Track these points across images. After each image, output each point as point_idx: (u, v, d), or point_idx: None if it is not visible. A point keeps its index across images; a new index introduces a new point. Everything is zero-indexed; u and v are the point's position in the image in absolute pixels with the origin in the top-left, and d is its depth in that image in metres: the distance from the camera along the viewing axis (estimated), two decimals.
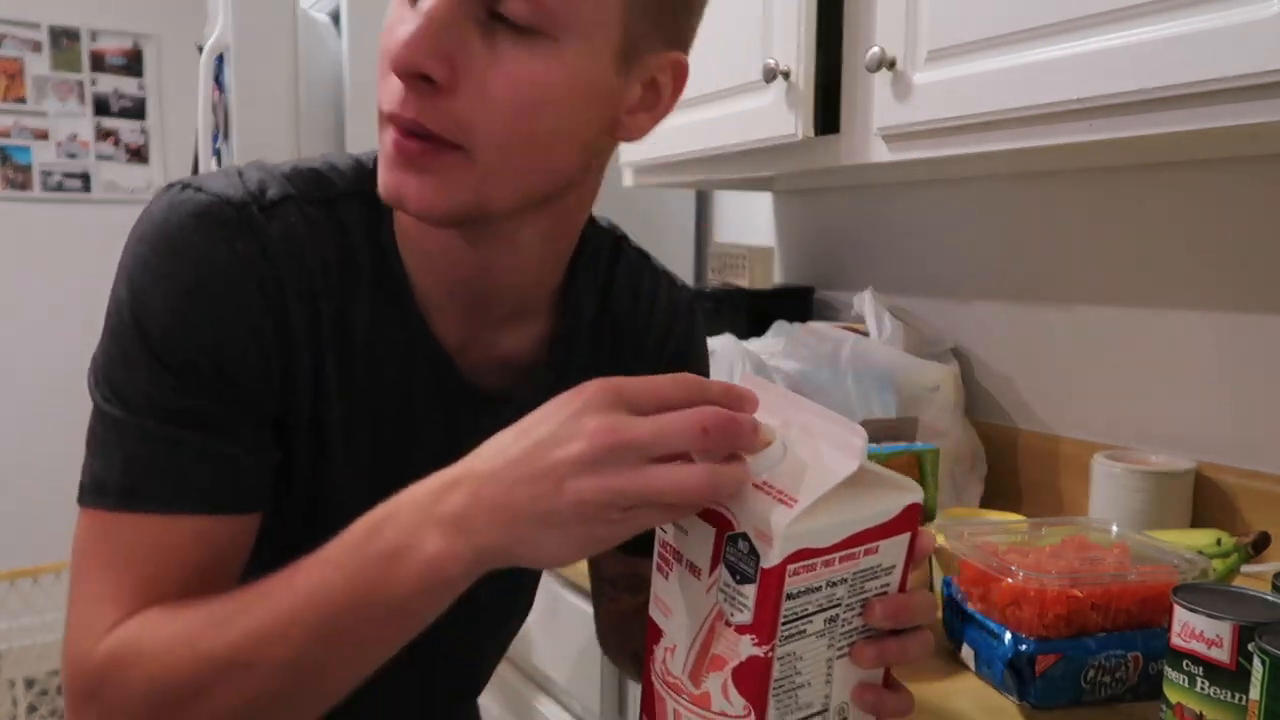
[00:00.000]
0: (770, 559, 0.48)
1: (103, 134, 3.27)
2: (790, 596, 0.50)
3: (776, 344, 1.39)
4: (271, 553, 0.57)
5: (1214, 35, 0.81)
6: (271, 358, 0.61)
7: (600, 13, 0.58)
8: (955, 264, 1.48)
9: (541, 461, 0.48)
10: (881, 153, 1.15)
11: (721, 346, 1.31)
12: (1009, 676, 0.78)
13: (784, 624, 0.50)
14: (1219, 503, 1.14)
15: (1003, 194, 1.41)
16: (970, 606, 0.83)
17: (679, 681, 0.54)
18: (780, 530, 0.48)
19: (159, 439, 0.58)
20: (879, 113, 1.13)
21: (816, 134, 1.22)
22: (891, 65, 1.10)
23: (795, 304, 1.66)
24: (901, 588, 0.55)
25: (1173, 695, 0.68)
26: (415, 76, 0.55)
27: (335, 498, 0.66)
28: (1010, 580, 0.78)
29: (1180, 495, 1.13)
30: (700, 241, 2.06)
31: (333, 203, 0.65)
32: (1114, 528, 0.90)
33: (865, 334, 1.38)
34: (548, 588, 1.25)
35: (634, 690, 1.14)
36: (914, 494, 0.53)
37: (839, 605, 0.52)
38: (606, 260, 0.78)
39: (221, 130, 1.77)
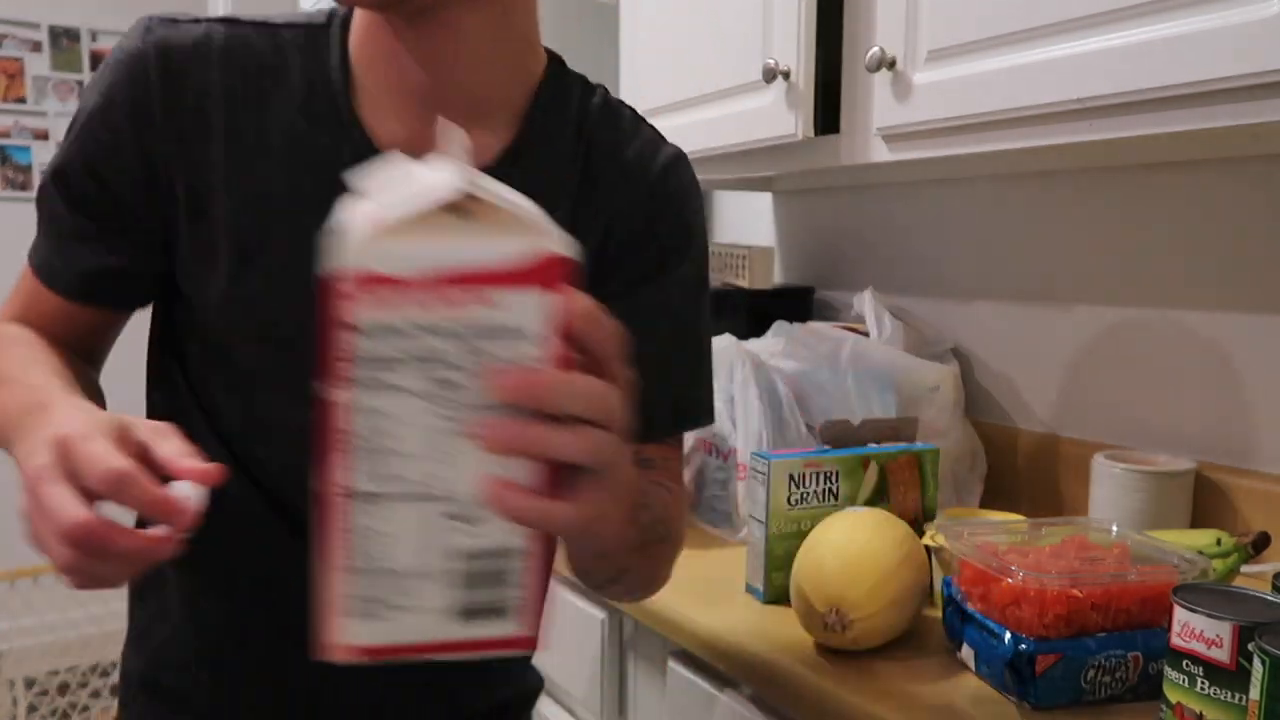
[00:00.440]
0: (329, 268, 0.43)
1: None
2: (361, 331, 0.43)
3: (776, 344, 1.39)
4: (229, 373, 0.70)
5: (1214, 35, 0.81)
6: (147, 163, 0.68)
7: None
8: (955, 264, 1.48)
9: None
10: (881, 153, 1.15)
11: (721, 346, 1.31)
12: (1009, 676, 0.78)
13: (358, 365, 0.44)
14: (1219, 503, 1.15)
15: (1003, 194, 1.41)
16: (970, 606, 0.83)
17: None
18: (349, 240, 0.42)
19: (50, 219, 0.71)
20: (879, 113, 1.13)
21: (816, 134, 1.22)
22: (891, 65, 1.10)
23: (795, 304, 1.66)
24: (562, 366, 0.46)
25: (1173, 695, 0.68)
26: None
27: (262, 312, 0.69)
28: (1010, 580, 0.78)
29: (1180, 495, 1.13)
30: None
31: (276, 28, 0.70)
32: (1114, 528, 0.90)
33: (865, 334, 1.38)
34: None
35: (634, 690, 1.14)
36: (549, 240, 0.44)
37: (449, 365, 0.45)
38: (580, 93, 0.77)
39: None
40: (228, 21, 0.69)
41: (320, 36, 0.70)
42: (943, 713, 0.77)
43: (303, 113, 0.69)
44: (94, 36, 3.23)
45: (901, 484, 1.06)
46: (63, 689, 2.73)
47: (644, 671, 1.12)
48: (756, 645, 0.90)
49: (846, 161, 1.20)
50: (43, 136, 3.16)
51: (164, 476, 0.50)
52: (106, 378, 0.78)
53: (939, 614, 0.92)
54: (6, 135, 3.10)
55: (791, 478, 1.00)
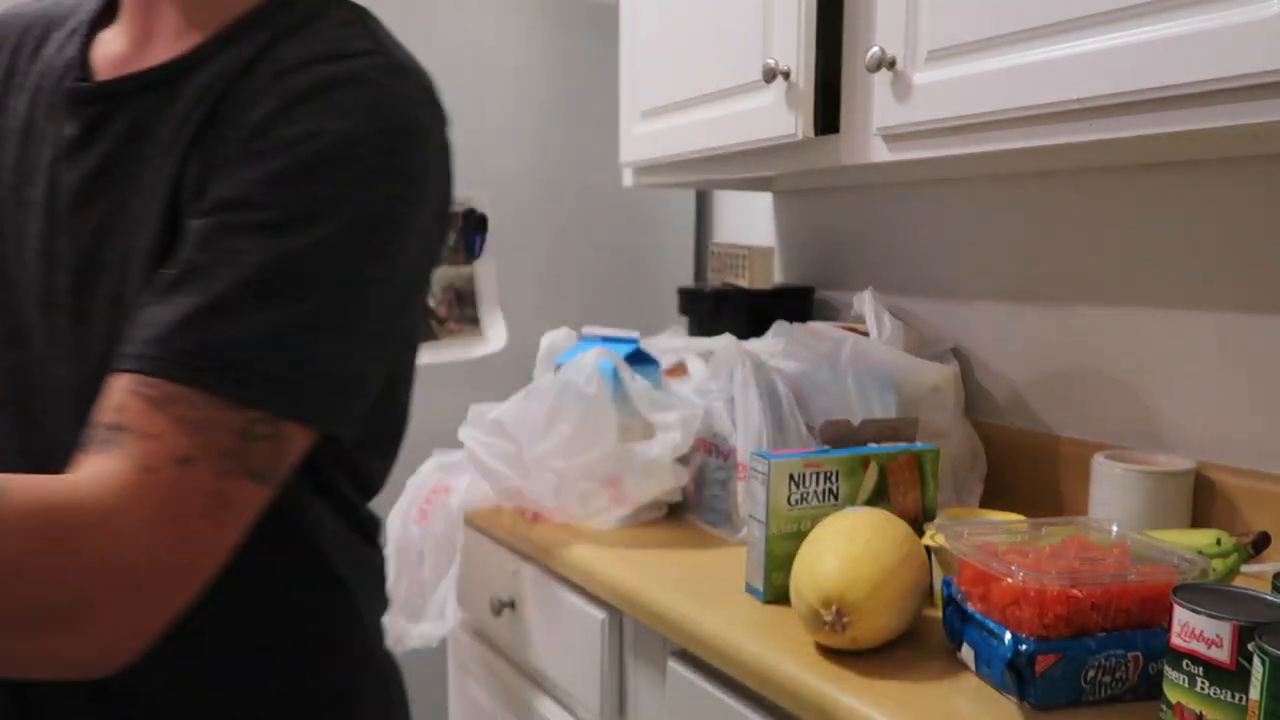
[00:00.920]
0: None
1: None
2: None
3: (776, 344, 1.39)
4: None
5: (1214, 35, 0.81)
6: None
7: None
8: (955, 264, 1.48)
9: None
10: (881, 153, 1.15)
11: (721, 347, 1.31)
12: (1009, 676, 0.78)
13: None
14: (1219, 503, 1.15)
15: (1003, 194, 1.41)
16: (970, 606, 0.83)
17: None
18: None
19: None
20: (879, 113, 1.13)
21: (816, 134, 1.22)
22: (891, 65, 1.10)
23: (795, 304, 1.66)
24: None
25: (1173, 695, 0.68)
26: None
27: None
28: (1010, 580, 0.78)
29: (1180, 495, 1.13)
30: (700, 241, 2.06)
31: None
32: (1114, 528, 0.90)
33: (865, 334, 1.38)
34: (548, 587, 1.25)
35: (634, 690, 1.14)
36: None
37: None
38: (307, 12, 0.67)
39: None
40: None
41: None
42: (943, 713, 0.77)
43: (66, 40, 0.70)
44: None
45: (901, 484, 1.06)
46: None
47: (644, 671, 1.12)
48: (756, 645, 0.90)
49: (846, 161, 1.20)
50: None
51: None
52: None
53: (939, 614, 0.92)
54: None
55: (791, 478, 1.00)
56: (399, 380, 0.75)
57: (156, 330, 0.56)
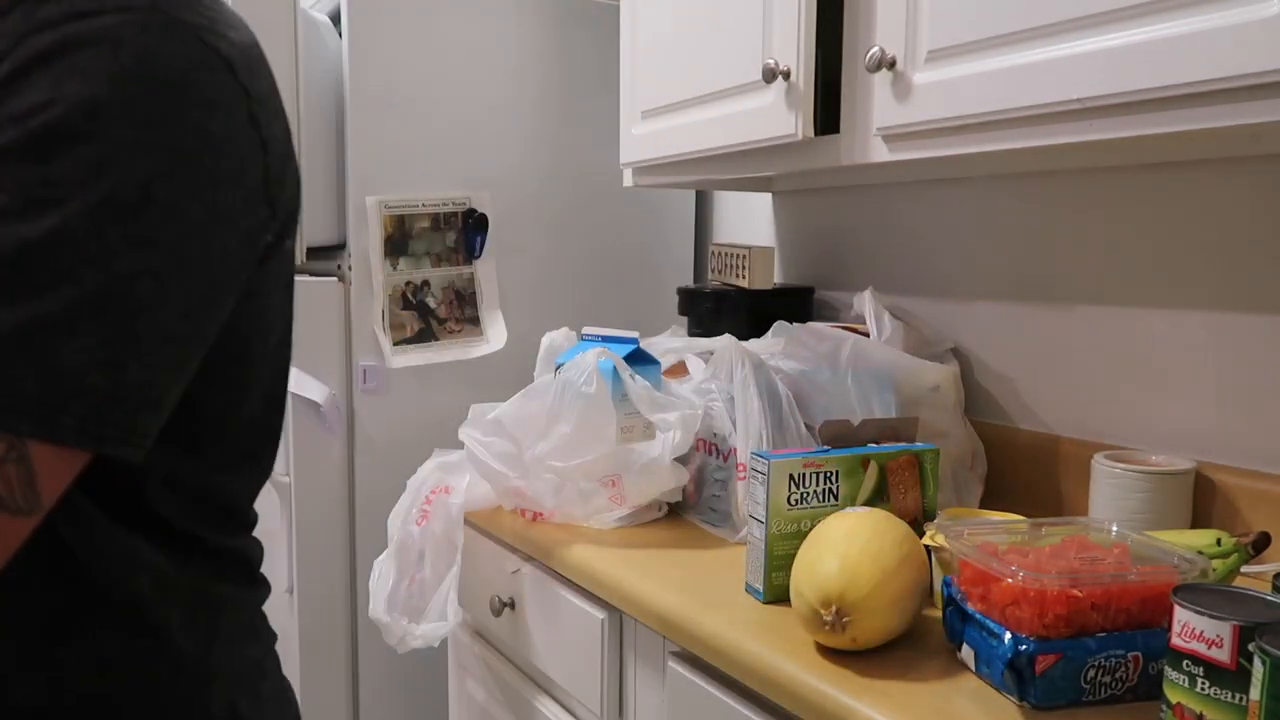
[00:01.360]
0: None
1: None
2: None
3: (776, 344, 1.39)
4: None
5: (1214, 35, 0.81)
6: None
7: None
8: (955, 264, 1.48)
9: None
10: (881, 153, 1.15)
11: (721, 347, 1.31)
12: (1009, 676, 0.77)
13: None
14: (1219, 503, 1.14)
15: (1003, 194, 1.41)
16: (970, 606, 0.83)
17: None
18: None
19: None
20: (879, 113, 1.13)
21: (816, 134, 1.22)
22: (891, 65, 1.10)
23: (795, 304, 1.66)
24: None
25: (1173, 695, 0.68)
26: None
27: None
28: (1010, 580, 0.78)
29: (1180, 495, 1.13)
30: (700, 241, 2.06)
31: None
32: (1114, 528, 0.90)
33: (865, 334, 1.38)
34: (548, 587, 1.25)
35: (634, 690, 1.14)
36: None
37: None
38: None
39: None
40: None
41: None
42: (943, 713, 0.77)
43: None
44: None
45: (901, 484, 1.06)
46: None
47: (644, 671, 1.12)
48: (756, 645, 0.90)
49: (846, 161, 1.20)
50: None
51: None
52: None
53: (939, 614, 0.92)
54: None
55: (791, 478, 1.00)
56: (244, 388, 0.66)
57: None
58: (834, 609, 0.84)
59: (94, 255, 0.51)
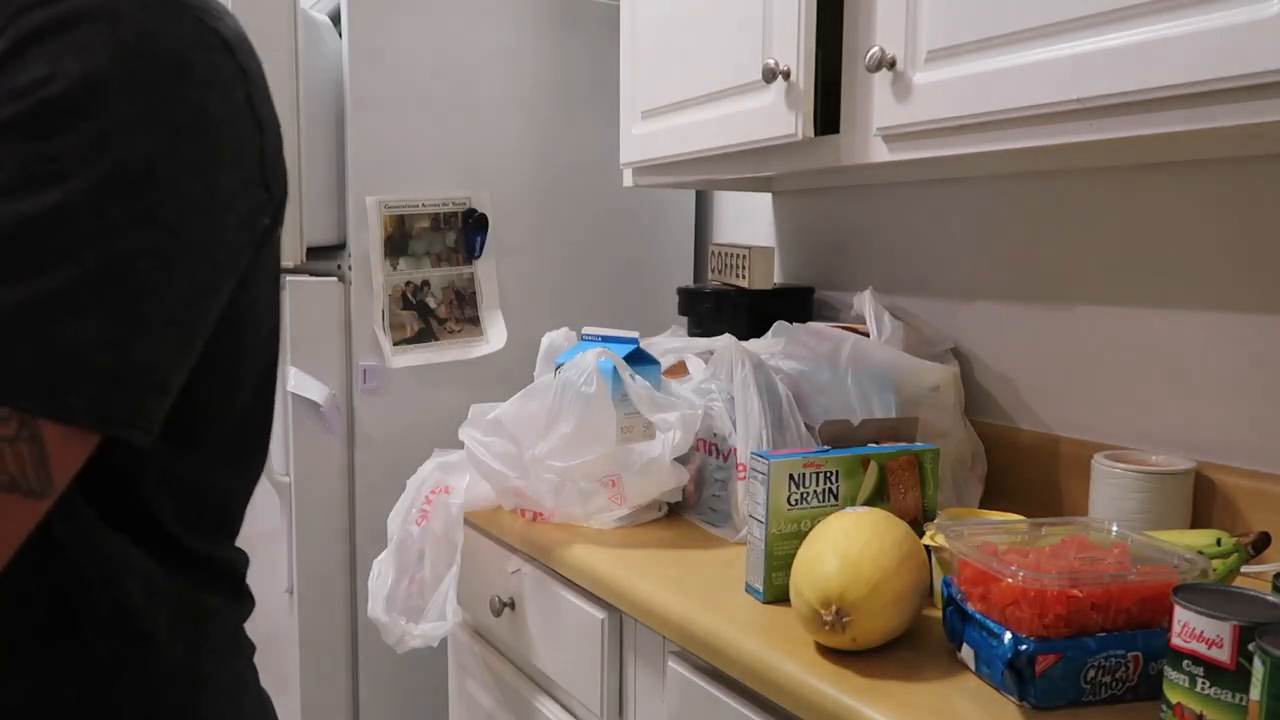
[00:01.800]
0: None
1: None
2: None
3: (776, 344, 1.39)
4: None
5: (1214, 35, 0.81)
6: None
7: None
8: (955, 264, 1.48)
9: None
10: (881, 153, 1.15)
11: (721, 347, 1.31)
12: (1009, 676, 0.77)
13: None
14: (1219, 503, 1.14)
15: (1003, 194, 1.41)
16: (970, 606, 0.83)
17: None
18: None
19: None
20: (879, 113, 1.13)
21: (816, 134, 1.22)
22: (891, 65, 1.10)
23: (795, 304, 1.66)
24: None
25: (1173, 695, 0.68)
26: None
27: None
28: (1010, 580, 0.78)
29: (1180, 495, 1.13)
30: (700, 241, 2.06)
31: None
32: (1114, 528, 0.90)
33: (865, 334, 1.38)
34: (548, 587, 1.25)
35: (634, 690, 1.14)
36: None
37: None
38: None
39: None
40: None
41: None
42: (943, 713, 0.77)
43: None
44: None
45: (901, 484, 1.06)
46: None
47: (644, 671, 1.12)
48: (756, 645, 0.90)
49: (846, 161, 1.20)
50: None
51: None
52: None
53: (939, 614, 0.92)
54: None
55: (791, 478, 1.00)
56: (235, 380, 0.66)
57: None
58: (834, 609, 0.84)
59: (95, 233, 0.50)
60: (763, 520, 1.00)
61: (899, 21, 1.09)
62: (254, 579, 0.74)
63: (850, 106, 1.19)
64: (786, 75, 1.22)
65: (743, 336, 1.38)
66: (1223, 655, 0.64)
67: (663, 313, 1.96)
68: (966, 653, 0.84)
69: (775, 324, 1.49)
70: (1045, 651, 0.76)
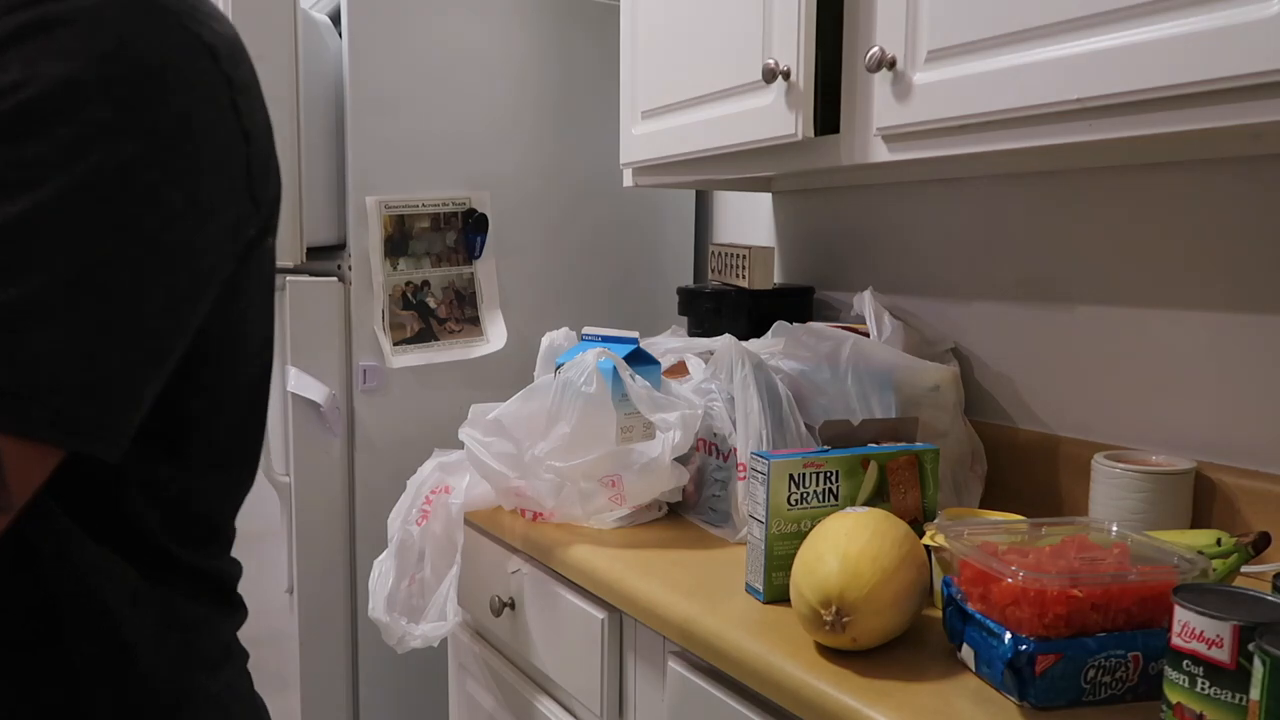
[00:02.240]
0: None
1: None
2: None
3: (776, 344, 1.39)
4: None
5: (1214, 35, 0.81)
6: None
7: None
8: (955, 264, 1.48)
9: None
10: (881, 153, 1.15)
11: (721, 347, 1.31)
12: (1009, 676, 0.78)
13: None
14: (1219, 503, 1.15)
15: (1003, 194, 1.41)
16: (970, 606, 0.83)
17: None
18: None
19: None
20: (879, 113, 1.13)
21: (816, 134, 1.22)
22: (891, 65, 1.10)
23: (795, 304, 1.66)
24: None
25: (1173, 695, 0.68)
26: None
27: None
28: (1010, 580, 0.78)
29: (1180, 495, 1.13)
30: (700, 241, 2.06)
31: None
32: (1114, 528, 0.90)
33: (865, 334, 1.38)
34: (548, 587, 1.25)
35: (634, 690, 1.14)
36: None
37: None
38: None
39: None
40: None
41: None
42: (943, 713, 0.77)
43: None
44: None
45: (901, 484, 1.06)
46: None
47: (644, 671, 1.12)
48: (756, 645, 0.90)
49: (846, 161, 1.20)
50: None
51: None
52: None
53: (939, 614, 0.92)
54: None
55: (791, 478, 1.00)
56: (226, 391, 0.65)
57: None
58: (834, 609, 0.84)
59: (67, 240, 0.48)
60: (763, 520, 1.00)
61: (899, 21, 1.09)
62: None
63: (850, 106, 1.19)
64: (786, 75, 1.22)
65: (743, 336, 1.38)
66: (1223, 655, 0.64)
67: (663, 313, 1.96)
68: (966, 653, 0.84)
69: (775, 324, 1.49)
70: (1045, 651, 0.76)
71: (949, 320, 1.49)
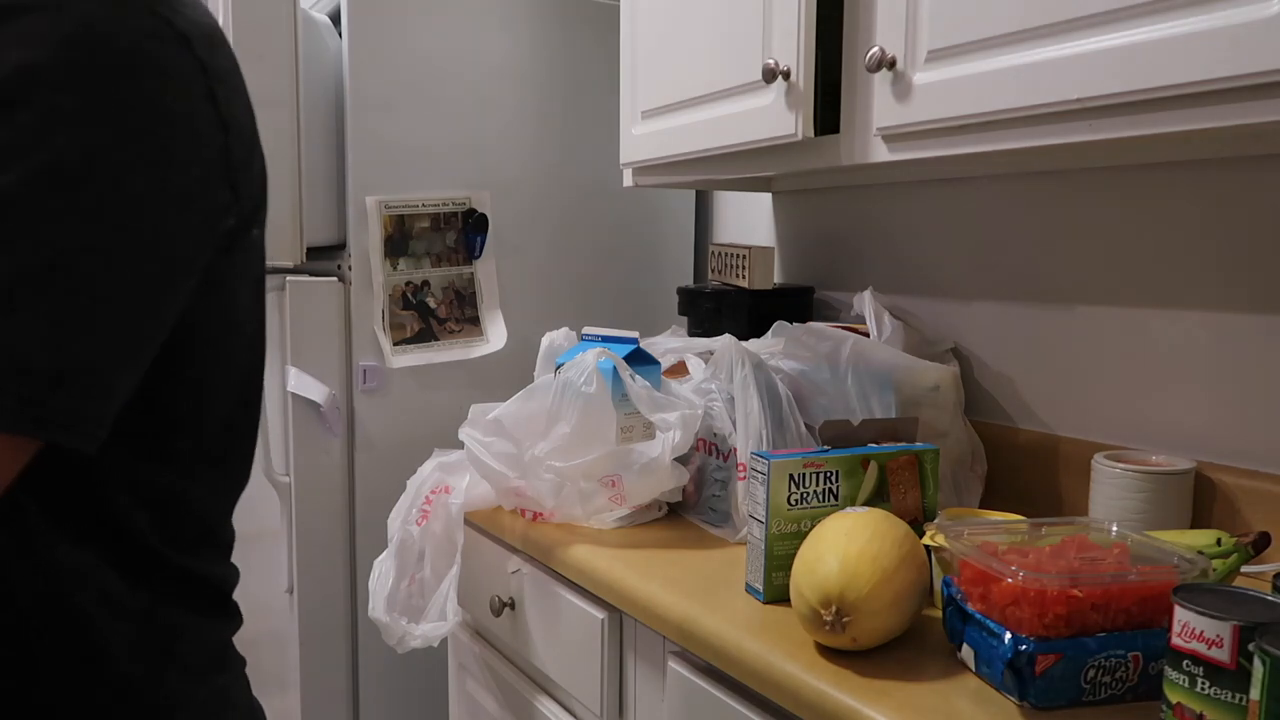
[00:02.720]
0: None
1: None
2: None
3: (776, 344, 1.39)
4: None
5: (1214, 35, 0.81)
6: None
7: None
8: (955, 264, 1.48)
9: None
10: (881, 153, 1.15)
11: (721, 347, 1.31)
12: (1009, 676, 0.78)
13: None
14: (1219, 503, 1.14)
15: (1003, 194, 1.41)
16: (970, 606, 0.83)
17: None
18: None
19: None
20: (879, 113, 1.13)
21: (816, 134, 1.22)
22: (891, 65, 1.10)
23: (795, 304, 1.66)
24: None
25: (1173, 695, 0.68)
26: None
27: None
28: (1010, 580, 0.78)
29: (1180, 495, 1.13)
30: (700, 241, 2.06)
31: None
32: (1114, 528, 0.90)
33: (865, 334, 1.38)
34: (548, 587, 1.25)
35: (634, 690, 1.14)
36: None
37: None
38: None
39: None
40: None
41: None
42: (943, 713, 0.77)
43: None
44: None
45: (901, 484, 1.06)
46: None
47: (644, 671, 1.12)
48: (756, 645, 0.90)
49: (846, 162, 1.20)
50: None
51: None
52: None
53: (939, 614, 0.92)
54: None
55: (791, 478, 1.00)
56: (213, 389, 0.64)
57: None
58: (834, 609, 0.84)
59: (31, 227, 0.47)
60: (763, 520, 1.00)
61: (899, 21, 1.09)
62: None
63: (850, 106, 1.19)
64: (786, 75, 1.22)
65: (743, 336, 1.38)
66: (1223, 655, 0.64)
67: (663, 313, 1.96)
68: (966, 653, 0.84)
69: (775, 324, 1.49)
70: (1045, 651, 0.76)
71: (949, 320, 1.49)
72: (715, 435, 1.27)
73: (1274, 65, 0.77)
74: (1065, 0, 0.92)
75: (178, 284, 0.56)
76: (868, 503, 1.04)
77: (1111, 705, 0.78)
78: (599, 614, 1.15)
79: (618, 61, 1.64)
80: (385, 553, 1.44)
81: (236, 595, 0.71)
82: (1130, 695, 0.78)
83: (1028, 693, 0.77)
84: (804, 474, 1.01)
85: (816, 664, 0.86)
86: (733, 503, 1.22)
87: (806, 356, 1.32)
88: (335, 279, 1.72)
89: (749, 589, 1.03)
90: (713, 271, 1.73)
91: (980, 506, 1.33)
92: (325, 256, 1.76)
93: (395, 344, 1.74)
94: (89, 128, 0.49)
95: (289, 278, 1.67)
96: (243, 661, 0.72)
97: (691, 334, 1.68)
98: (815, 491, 1.01)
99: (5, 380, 0.47)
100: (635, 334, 1.39)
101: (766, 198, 1.88)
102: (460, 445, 1.35)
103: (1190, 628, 0.66)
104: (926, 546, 0.92)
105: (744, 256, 1.64)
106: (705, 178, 1.54)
